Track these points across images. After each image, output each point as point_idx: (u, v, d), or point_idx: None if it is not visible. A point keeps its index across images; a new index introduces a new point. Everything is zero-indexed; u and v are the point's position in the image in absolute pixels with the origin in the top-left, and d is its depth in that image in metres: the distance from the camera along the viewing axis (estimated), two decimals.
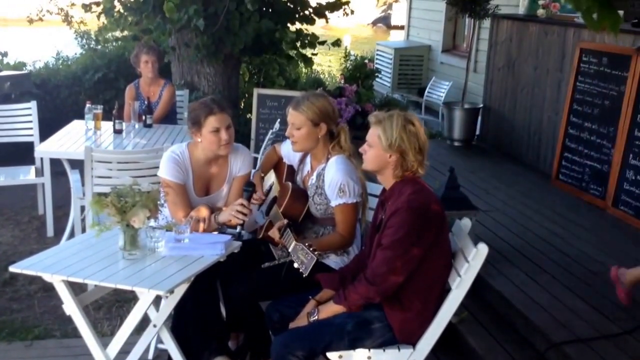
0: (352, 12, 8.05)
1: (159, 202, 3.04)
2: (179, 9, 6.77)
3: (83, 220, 5.02)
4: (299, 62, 8.53)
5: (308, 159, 3.61)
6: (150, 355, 3.78)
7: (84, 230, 4.86)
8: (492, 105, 7.51)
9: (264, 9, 7.20)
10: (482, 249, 2.79)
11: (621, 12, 6.44)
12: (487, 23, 7.82)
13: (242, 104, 8.47)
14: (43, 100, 7.64)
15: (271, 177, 3.91)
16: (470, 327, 3.83)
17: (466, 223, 3.07)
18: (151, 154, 4.69)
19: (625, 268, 3.78)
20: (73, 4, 10.19)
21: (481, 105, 7.69)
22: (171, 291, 2.84)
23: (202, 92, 7.37)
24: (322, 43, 7.70)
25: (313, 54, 8.05)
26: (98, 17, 7.72)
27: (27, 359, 3.89)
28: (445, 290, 2.94)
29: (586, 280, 4.16)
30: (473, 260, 2.81)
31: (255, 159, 5.11)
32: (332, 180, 3.35)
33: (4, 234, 5.67)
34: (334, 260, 3.42)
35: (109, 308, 4.40)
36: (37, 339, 4.07)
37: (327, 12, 7.59)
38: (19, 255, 4.96)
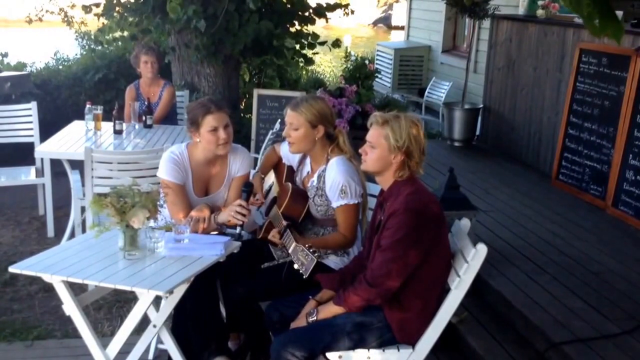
0: (352, 12, 8.07)
1: (158, 203, 3.04)
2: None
3: (84, 221, 5.02)
4: (300, 63, 8.54)
5: (308, 160, 3.61)
6: (150, 355, 3.78)
7: (84, 230, 4.86)
8: (492, 105, 7.51)
9: (264, 10, 7.20)
10: (481, 250, 2.80)
11: (620, 13, 6.47)
12: (487, 23, 7.82)
13: (243, 105, 8.48)
14: (43, 100, 7.65)
15: (271, 178, 3.91)
16: (470, 327, 3.83)
17: (465, 223, 3.08)
18: (151, 155, 4.70)
19: None
20: (73, 5, 10.22)
21: (481, 106, 7.69)
22: (171, 291, 2.84)
23: (202, 92, 7.38)
24: (323, 43, 7.71)
25: (314, 53, 8.05)
26: (98, 17, 7.74)
27: (27, 359, 3.90)
28: (445, 291, 2.94)
29: (586, 280, 4.16)
30: (472, 260, 2.81)
31: (256, 160, 5.12)
32: (333, 182, 3.35)
33: (5, 235, 5.68)
34: (333, 261, 3.43)
35: (110, 308, 4.40)
36: (38, 339, 4.07)
37: (327, 13, 7.60)
38: (19, 255, 4.96)
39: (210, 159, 3.62)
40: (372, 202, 3.40)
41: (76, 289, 3.07)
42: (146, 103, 5.97)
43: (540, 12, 6.82)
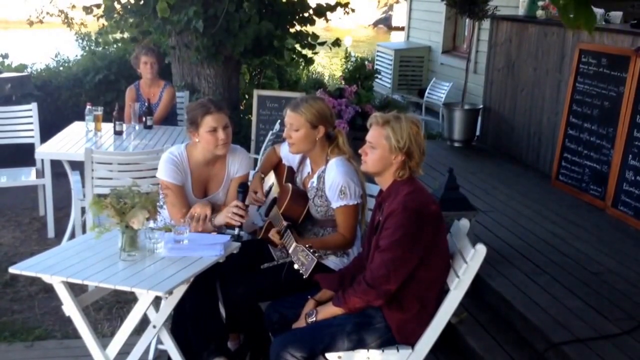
0: (353, 10, 8.06)
1: (157, 204, 3.05)
2: (178, 11, 6.79)
3: (84, 221, 5.03)
4: (300, 63, 8.54)
5: (308, 161, 3.62)
6: (150, 356, 3.78)
7: (84, 231, 4.87)
8: (492, 106, 7.52)
9: (264, 10, 7.21)
10: (481, 250, 2.80)
11: (620, 13, 6.47)
12: (486, 24, 7.83)
13: (243, 105, 8.48)
14: (44, 101, 7.65)
15: (271, 178, 3.92)
16: (469, 328, 3.84)
17: (464, 224, 3.08)
18: (151, 156, 4.70)
19: None
20: (74, 6, 10.22)
21: (481, 106, 7.69)
22: (170, 292, 2.84)
23: (202, 93, 7.38)
24: (322, 44, 7.71)
25: (314, 53, 8.06)
26: (98, 19, 7.74)
27: None
28: (444, 291, 2.95)
29: (586, 280, 4.16)
30: (471, 261, 2.81)
31: (256, 160, 5.12)
32: (332, 182, 3.36)
33: (5, 235, 5.69)
34: (333, 262, 3.43)
35: (110, 309, 4.41)
36: (38, 340, 4.08)
37: (327, 13, 7.60)
38: (19, 256, 4.97)
39: (209, 160, 3.63)
40: (371, 203, 3.41)
41: (76, 290, 3.07)
42: (146, 104, 5.97)
43: (540, 13, 6.83)
